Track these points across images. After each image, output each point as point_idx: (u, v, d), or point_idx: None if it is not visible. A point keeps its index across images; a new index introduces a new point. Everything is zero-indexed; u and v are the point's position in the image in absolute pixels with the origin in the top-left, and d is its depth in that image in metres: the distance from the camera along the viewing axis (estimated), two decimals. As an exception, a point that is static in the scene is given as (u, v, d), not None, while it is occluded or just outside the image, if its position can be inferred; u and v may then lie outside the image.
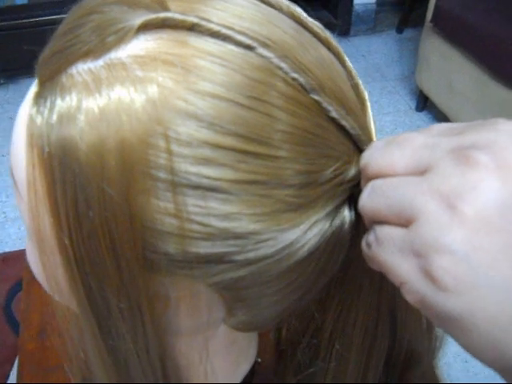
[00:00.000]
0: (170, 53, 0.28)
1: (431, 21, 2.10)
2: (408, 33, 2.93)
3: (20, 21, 2.44)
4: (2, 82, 2.53)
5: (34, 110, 0.29)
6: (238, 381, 0.49)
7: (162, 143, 0.27)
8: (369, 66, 2.68)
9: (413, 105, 2.43)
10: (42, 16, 2.43)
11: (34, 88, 0.31)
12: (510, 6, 1.88)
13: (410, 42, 2.83)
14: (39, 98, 0.29)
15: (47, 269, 0.34)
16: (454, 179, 0.25)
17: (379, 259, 0.28)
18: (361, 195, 0.30)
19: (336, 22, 2.87)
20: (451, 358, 1.46)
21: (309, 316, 0.43)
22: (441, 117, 2.28)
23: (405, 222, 0.26)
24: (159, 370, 0.36)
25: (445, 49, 2.07)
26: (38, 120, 0.28)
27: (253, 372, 0.51)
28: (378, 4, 2.91)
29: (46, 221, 0.30)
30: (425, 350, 0.46)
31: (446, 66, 2.08)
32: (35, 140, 0.28)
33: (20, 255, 1.59)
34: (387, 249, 0.27)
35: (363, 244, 0.31)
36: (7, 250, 1.77)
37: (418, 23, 2.54)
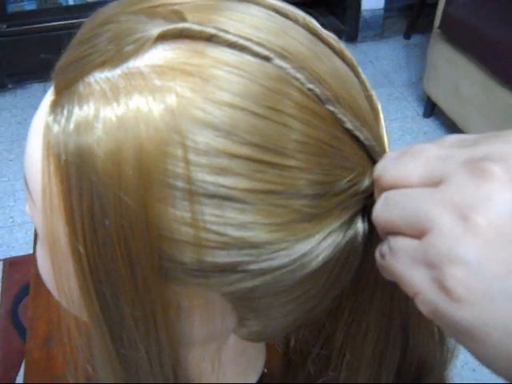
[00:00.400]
0: (188, 63, 0.28)
1: (439, 27, 2.09)
2: (416, 39, 2.92)
3: (28, 26, 2.45)
4: (10, 87, 2.54)
5: (51, 118, 0.29)
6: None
7: (179, 152, 0.27)
8: (376, 72, 2.67)
9: (420, 111, 2.42)
10: (50, 21, 2.44)
11: (49, 96, 0.31)
12: (519, 13, 1.88)
13: (418, 48, 2.83)
14: (56, 106, 0.29)
15: (59, 277, 0.34)
16: (467, 191, 0.25)
17: (393, 269, 0.28)
18: (374, 206, 0.30)
19: (344, 28, 2.87)
20: (459, 367, 1.45)
21: (319, 326, 0.43)
22: (448, 123, 2.27)
23: (418, 233, 0.26)
24: (171, 379, 0.36)
25: (452, 55, 2.07)
26: (55, 128, 0.28)
27: (260, 382, 0.50)
28: (386, 10, 2.90)
29: (61, 229, 0.30)
30: (436, 362, 0.45)
31: (454, 72, 2.07)
32: (51, 148, 0.28)
33: (27, 260, 1.60)
34: (401, 259, 0.27)
35: (377, 254, 0.31)
36: (14, 254, 1.77)
37: (426, 29, 2.53)
